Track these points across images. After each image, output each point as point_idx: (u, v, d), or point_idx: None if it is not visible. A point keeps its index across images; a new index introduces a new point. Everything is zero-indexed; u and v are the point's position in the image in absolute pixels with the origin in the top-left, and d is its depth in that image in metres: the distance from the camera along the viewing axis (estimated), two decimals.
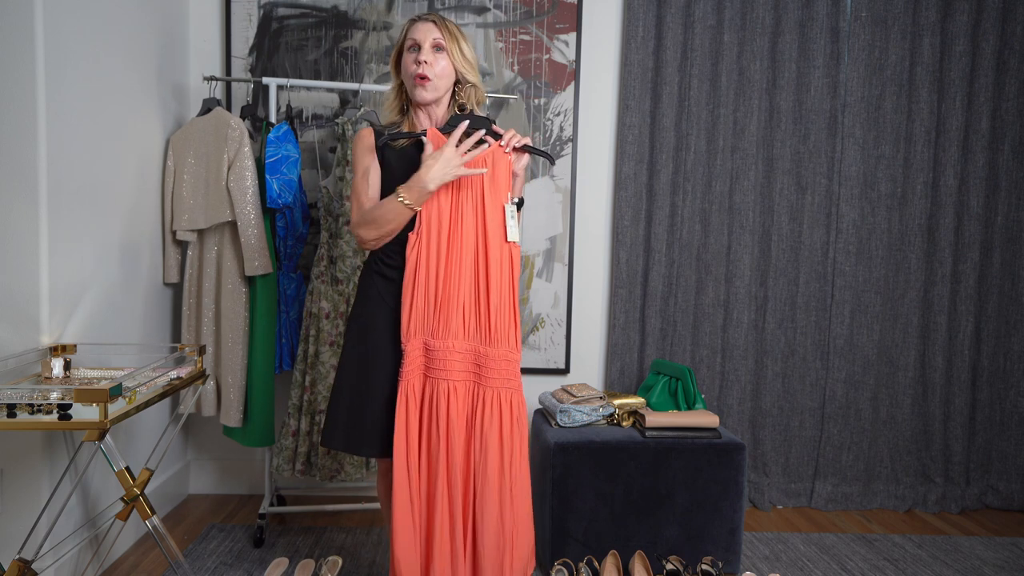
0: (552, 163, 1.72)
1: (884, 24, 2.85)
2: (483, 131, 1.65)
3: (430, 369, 1.65)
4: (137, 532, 2.40)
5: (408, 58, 1.65)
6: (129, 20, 2.31)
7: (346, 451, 1.75)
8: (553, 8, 2.85)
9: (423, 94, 1.65)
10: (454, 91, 1.71)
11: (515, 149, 1.69)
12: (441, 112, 1.72)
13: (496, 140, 1.69)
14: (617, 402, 2.43)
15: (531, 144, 1.71)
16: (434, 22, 1.66)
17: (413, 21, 1.68)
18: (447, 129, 1.65)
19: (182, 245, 2.59)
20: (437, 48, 1.64)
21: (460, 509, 1.62)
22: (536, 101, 2.86)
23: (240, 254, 2.42)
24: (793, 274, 2.91)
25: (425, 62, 1.62)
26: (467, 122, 1.63)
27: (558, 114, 2.88)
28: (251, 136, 2.49)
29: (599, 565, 2.18)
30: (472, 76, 1.70)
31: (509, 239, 1.67)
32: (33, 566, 1.68)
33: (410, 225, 1.65)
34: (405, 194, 1.59)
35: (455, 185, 1.64)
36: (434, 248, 1.63)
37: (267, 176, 2.33)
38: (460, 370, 1.64)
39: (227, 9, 2.76)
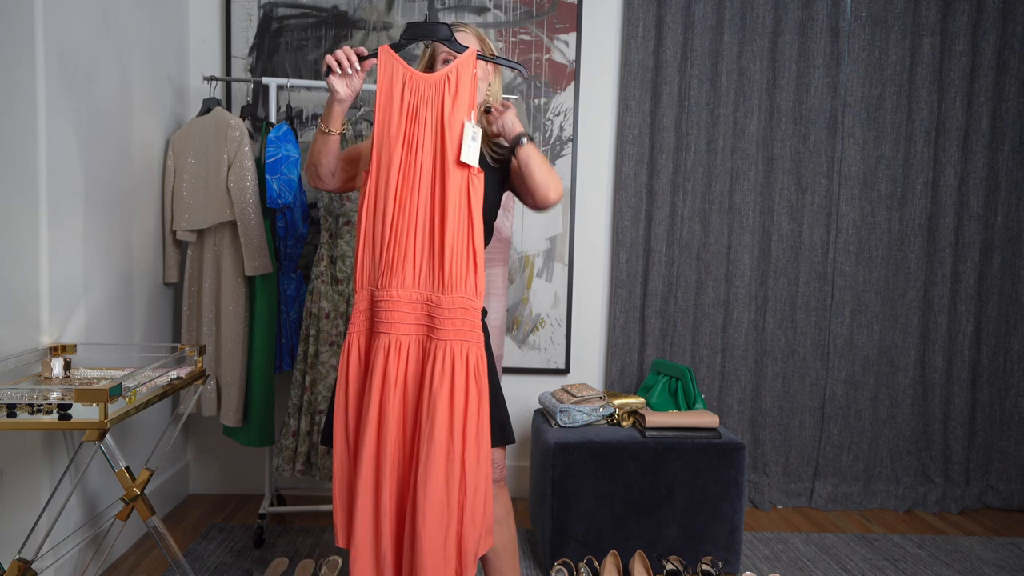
0: (524, 76, 1.61)
1: (884, 24, 2.85)
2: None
3: (376, 323, 1.47)
4: (137, 532, 2.40)
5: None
6: (129, 20, 2.31)
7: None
8: (553, 8, 2.85)
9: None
10: None
11: (479, 58, 1.55)
12: None
13: (459, 53, 1.56)
14: (617, 402, 2.43)
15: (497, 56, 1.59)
16: (465, 31, 1.66)
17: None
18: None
19: (182, 245, 2.59)
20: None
21: (389, 487, 1.42)
22: (536, 101, 2.86)
23: (240, 254, 2.42)
24: (793, 274, 2.91)
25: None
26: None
27: (558, 114, 2.88)
28: (251, 136, 2.49)
29: (599, 565, 2.18)
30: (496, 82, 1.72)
31: (462, 159, 1.46)
32: (33, 566, 1.68)
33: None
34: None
35: (412, 107, 1.49)
36: (383, 184, 1.48)
37: (267, 176, 2.33)
38: (409, 323, 1.46)
39: (227, 9, 2.76)
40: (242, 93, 2.77)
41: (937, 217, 2.91)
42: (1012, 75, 2.87)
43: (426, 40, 1.57)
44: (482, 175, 1.51)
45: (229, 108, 2.77)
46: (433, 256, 1.47)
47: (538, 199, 1.61)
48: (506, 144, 1.62)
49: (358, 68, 1.52)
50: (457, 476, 1.41)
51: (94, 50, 2.09)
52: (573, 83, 2.87)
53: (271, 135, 2.36)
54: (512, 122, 1.57)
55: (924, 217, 2.90)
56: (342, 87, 1.52)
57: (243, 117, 2.53)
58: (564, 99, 2.87)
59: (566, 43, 2.86)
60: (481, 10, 2.83)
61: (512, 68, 1.58)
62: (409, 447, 1.45)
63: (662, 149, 2.83)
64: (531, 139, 1.58)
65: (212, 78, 2.49)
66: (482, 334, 1.50)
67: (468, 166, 1.48)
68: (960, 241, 2.92)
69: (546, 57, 2.86)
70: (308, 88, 2.67)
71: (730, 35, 2.81)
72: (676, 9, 2.79)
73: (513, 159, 1.62)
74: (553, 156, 2.88)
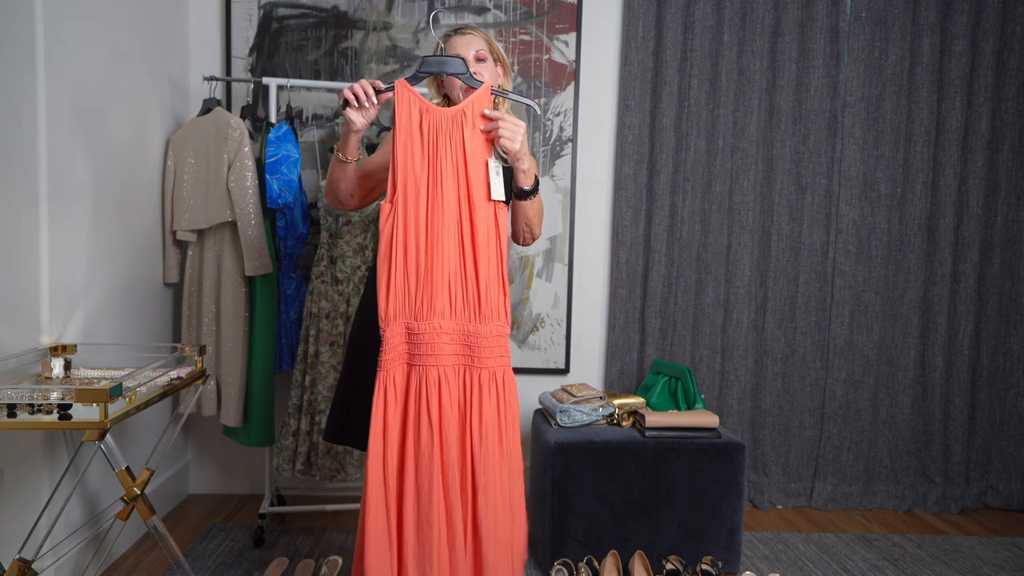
0: (537, 111, 1.63)
1: (884, 24, 2.85)
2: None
3: (415, 356, 1.48)
4: (137, 532, 2.40)
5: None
6: (129, 20, 2.31)
7: (338, 443, 1.80)
8: (553, 8, 2.85)
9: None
10: None
11: (493, 93, 1.56)
12: None
13: (477, 88, 1.57)
14: (617, 402, 2.43)
15: (512, 94, 1.61)
16: (472, 34, 1.70)
17: (449, 36, 1.70)
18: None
19: (182, 245, 2.59)
20: (480, 60, 1.69)
21: (459, 513, 1.45)
22: (536, 101, 2.86)
23: (240, 254, 2.42)
24: (793, 274, 2.91)
25: (475, 73, 1.66)
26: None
27: (558, 114, 2.88)
28: (251, 136, 2.49)
29: (599, 565, 2.18)
30: (505, 82, 1.76)
31: (493, 197, 1.51)
32: (33, 566, 1.68)
33: (384, 194, 1.60)
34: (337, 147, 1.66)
35: (432, 141, 1.51)
36: (412, 217, 1.49)
37: (267, 176, 2.34)
38: (451, 354, 1.48)
39: (227, 9, 2.76)
40: (242, 93, 2.77)
41: (937, 217, 2.91)
42: (1012, 75, 2.87)
43: (441, 74, 1.60)
44: (505, 208, 1.55)
45: (229, 108, 2.77)
46: (467, 287, 1.50)
47: (518, 240, 1.72)
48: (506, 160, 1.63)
49: (375, 102, 1.55)
50: (510, 489, 1.49)
51: (94, 50, 2.09)
52: (573, 83, 2.87)
53: (271, 135, 2.36)
54: (524, 156, 1.56)
55: (924, 217, 2.90)
56: (358, 119, 1.56)
57: (243, 117, 2.53)
58: (564, 99, 2.87)
59: (566, 43, 2.86)
60: (481, 10, 2.83)
61: (524, 104, 1.61)
62: (463, 474, 1.48)
63: (662, 149, 2.83)
64: (538, 189, 1.64)
65: (212, 78, 2.49)
66: (510, 353, 1.55)
67: (495, 201, 1.52)
68: (960, 241, 2.92)
69: (546, 57, 2.86)
70: (308, 88, 2.67)
71: (730, 35, 2.81)
72: (676, 9, 2.79)
73: (514, 198, 1.67)
74: (553, 156, 2.88)
